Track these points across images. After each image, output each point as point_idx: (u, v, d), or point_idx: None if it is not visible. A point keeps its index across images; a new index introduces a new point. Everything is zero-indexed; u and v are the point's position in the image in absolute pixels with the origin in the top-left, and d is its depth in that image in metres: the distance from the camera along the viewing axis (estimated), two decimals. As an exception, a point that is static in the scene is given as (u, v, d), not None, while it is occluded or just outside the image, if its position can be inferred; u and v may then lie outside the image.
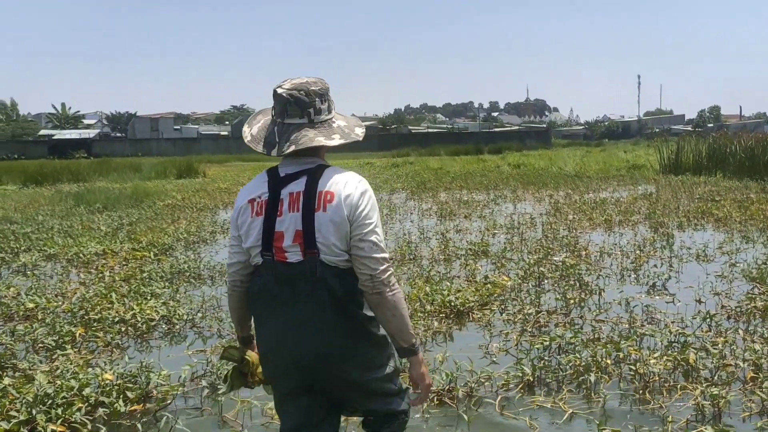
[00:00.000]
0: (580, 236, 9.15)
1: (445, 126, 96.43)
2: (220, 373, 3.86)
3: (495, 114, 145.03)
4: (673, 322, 4.96)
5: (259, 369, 2.55)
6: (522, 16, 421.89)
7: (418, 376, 2.31)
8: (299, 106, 2.26)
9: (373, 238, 2.19)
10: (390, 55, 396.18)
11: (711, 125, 72.64)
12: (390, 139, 61.98)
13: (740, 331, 4.61)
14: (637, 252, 7.86)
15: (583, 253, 7.90)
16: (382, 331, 2.31)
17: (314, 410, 2.35)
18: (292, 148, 2.22)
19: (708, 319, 4.76)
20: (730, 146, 19.76)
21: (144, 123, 71.25)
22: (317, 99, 2.29)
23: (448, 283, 6.17)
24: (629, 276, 6.73)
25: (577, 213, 11.66)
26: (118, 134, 75.35)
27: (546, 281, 6.51)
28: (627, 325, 4.93)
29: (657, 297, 5.87)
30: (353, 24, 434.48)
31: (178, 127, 75.22)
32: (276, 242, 2.21)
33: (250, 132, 2.34)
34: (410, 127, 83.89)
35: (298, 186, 2.22)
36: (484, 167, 27.18)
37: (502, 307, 5.59)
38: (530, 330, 4.95)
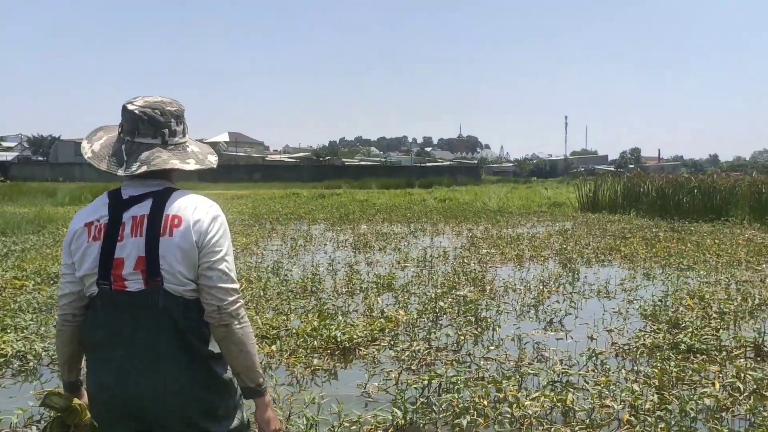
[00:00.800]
0: (489, 271, 9.07)
1: (378, 159, 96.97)
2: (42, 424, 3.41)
3: (428, 149, 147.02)
4: (561, 360, 4.84)
5: (87, 417, 2.23)
6: (456, 54, 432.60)
7: (264, 421, 2.08)
8: (152, 125, 2.07)
9: (222, 266, 2.02)
10: (326, 87, 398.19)
11: (632, 166, 75.41)
12: (323, 170, 61.90)
13: (624, 371, 4.51)
14: (541, 287, 7.81)
15: (488, 287, 7.80)
16: (230, 375, 2.11)
17: None
18: (144, 168, 2.03)
19: (594, 358, 4.65)
20: (644, 186, 20.40)
21: (68, 147, 68.71)
22: (173, 120, 2.11)
23: (341, 318, 5.92)
24: (529, 312, 6.63)
25: (491, 247, 11.65)
26: (40, 158, 72.48)
27: (444, 316, 6.35)
28: (513, 363, 4.78)
29: (551, 333, 5.77)
30: (289, 54, 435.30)
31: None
32: (115, 270, 1.99)
33: (91, 148, 2.12)
34: (344, 160, 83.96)
35: (143, 209, 2.02)
36: (410, 200, 27.24)
37: (392, 343, 5.37)
38: (414, 368, 4.74)
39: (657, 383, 4.18)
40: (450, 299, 6.95)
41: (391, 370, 4.71)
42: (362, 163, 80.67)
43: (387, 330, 5.70)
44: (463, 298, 6.88)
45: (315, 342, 5.24)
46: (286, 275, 8.53)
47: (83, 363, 2.19)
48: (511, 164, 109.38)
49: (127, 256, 1.99)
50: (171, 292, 1.98)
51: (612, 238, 13.13)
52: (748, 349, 5.03)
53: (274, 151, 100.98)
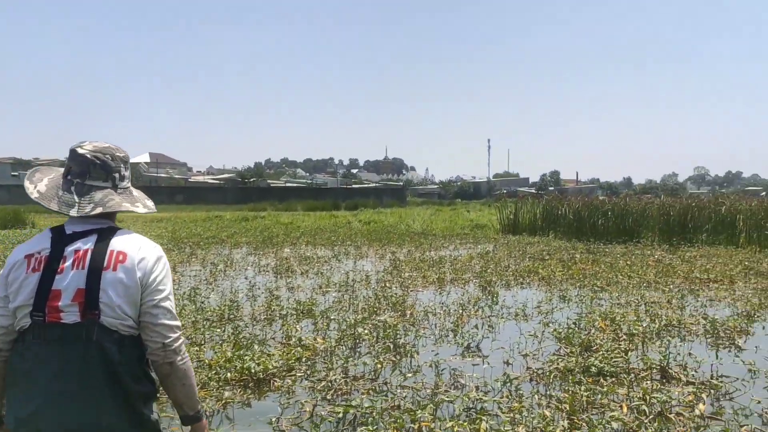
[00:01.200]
0: (410, 295, 9.09)
1: (304, 181, 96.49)
2: None
3: (354, 171, 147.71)
4: (476, 387, 4.86)
5: None
6: (382, 76, 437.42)
7: None
8: (104, 170, 2.19)
9: (166, 304, 2.11)
10: (252, 107, 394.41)
11: (552, 188, 77.89)
12: (248, 192, 61.12)
13: (537, 395, 4.57)
14: (460, 311, 7.87)
15: (408, 312, 7.81)
16: (156, 417, 2.18)
17: None
18: (99, 210, 2.14)
19: (508, 383, 4.70)
20: (562, 209, 21.03)
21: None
22: (122, 165, 2.25)
23: (257, 347, 5.78)
24: (447, 337, 6.66)
25: (413, 271, 11.71)
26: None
27: (363, 343, 6.29)
28: (430, 391, 4.77)
29: (468, 359, 5.80)
30: (214, 73, 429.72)
31: (17, 174, 69.76)
32: (51, 301, 2.01)
33: (36, 189, 2.19)
34: (269, 181, 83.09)
35: (86, 244, 2.09)
36: (335, 223, 27.19)
37: (308, 372, 5.27)
38: (330, 398, 4.66)
39: (568, 408, 4.25)
40: (370, 325, 6.91)
41: (306, 401, 4.60)
42: (288, 185, 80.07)
43: (304, 359, 5.59)
44: (383, 324, 6.85)
45: (228, 374, 5.08)
46: (203, 302, 8.30)
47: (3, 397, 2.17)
48: (436, 186, 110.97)
49: (66, 288, 2.01)
50: (107, 326, 2.01)
51: (531, 260, 13.43)
52: (654, 371, 5.19)
53: (198, 172, 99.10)
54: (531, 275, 11.16)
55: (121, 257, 2.06)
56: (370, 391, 4.81)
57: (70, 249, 2.07)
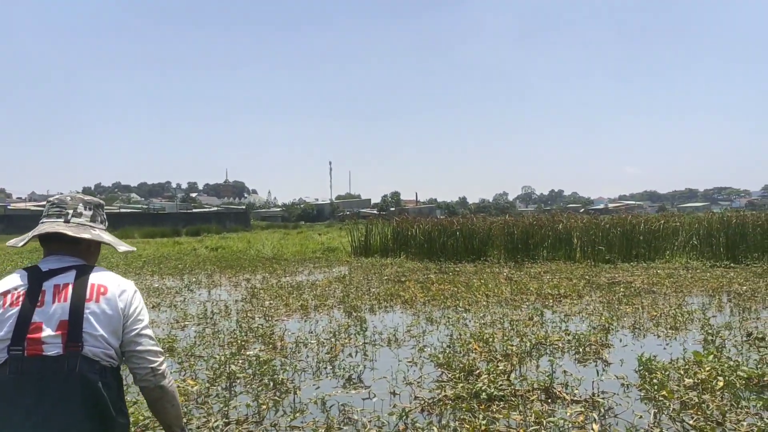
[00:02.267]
0: (276, 324, 8.73)
1: (140, 206, 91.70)
2: None
3: (194, 195, 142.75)
4: (370, 421, 4.66)
5: None
6: (218, 98, 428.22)
7: None
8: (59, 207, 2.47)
9: (149, 332, 2.26)
10: (79, 127, 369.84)
11: (393, 209, 79.93)
12: (78, 219, 56.84)
13: (435, 428, 4.45)
14: (333, 340, 7.65)
15: (279, 344, 7.47)
16: None
17: None
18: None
19: (404, 417, 4.54)
20: (411, 230, 21.47)
21: None
22: (80, 204, 2.52)
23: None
24: (325, 368, 6.41)
25: (273, 298, 11.33)
26: None
27: (238, 381, 5.88)
28: (324, 431, 4.51)
29: (353, 392, 5.58)
30: (28, 87, 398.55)
31: None
32: (32, 333, 2.04)
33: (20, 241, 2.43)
34: (101, 207, 77.99)
35: (66, 279, 2.18)
36: (180, 250, 25.95)
37: (185, 420, 4.80)
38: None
39: (470, 439, 4.17)
40: (241, 361, 6.50)
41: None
42: (122, 210, 75.65)
43: (177, 405, 5.10)
44: (256, 359, 6.47)
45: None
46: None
47: None
48: (279, 209, 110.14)
49: (48, 320, 2.06)
50: (90, 356, 2.05)
51: (390, 282, 13.50)
52: (539, 391, 5.28)
53: (18, 198, 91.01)
54: (393, 298, 11.17)
55: (102, 290, 2.18)
56: (258, 437, 4.45)
57: (48, 284, 2.15)
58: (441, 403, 5.07)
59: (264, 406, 5.03)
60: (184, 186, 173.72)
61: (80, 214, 2.41)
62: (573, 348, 6.97)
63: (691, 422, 4.51)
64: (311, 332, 8.23)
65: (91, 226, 2.42)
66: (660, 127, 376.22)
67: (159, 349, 2.26)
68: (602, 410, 4.81)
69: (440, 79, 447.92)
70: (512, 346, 6.87)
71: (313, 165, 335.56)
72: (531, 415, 4.60)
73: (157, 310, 10.35)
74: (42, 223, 2.39)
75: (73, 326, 2.06)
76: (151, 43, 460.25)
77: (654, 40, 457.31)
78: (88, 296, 2.13)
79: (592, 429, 4.30)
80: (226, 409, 4.96)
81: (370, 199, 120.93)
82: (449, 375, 5.91)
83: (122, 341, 2.18)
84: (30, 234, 2.38)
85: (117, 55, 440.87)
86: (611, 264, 16.85)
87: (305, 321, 9.18)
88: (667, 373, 5.66)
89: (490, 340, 7.19)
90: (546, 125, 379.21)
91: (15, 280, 2.19)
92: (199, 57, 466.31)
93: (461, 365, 6.10)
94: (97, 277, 2.22)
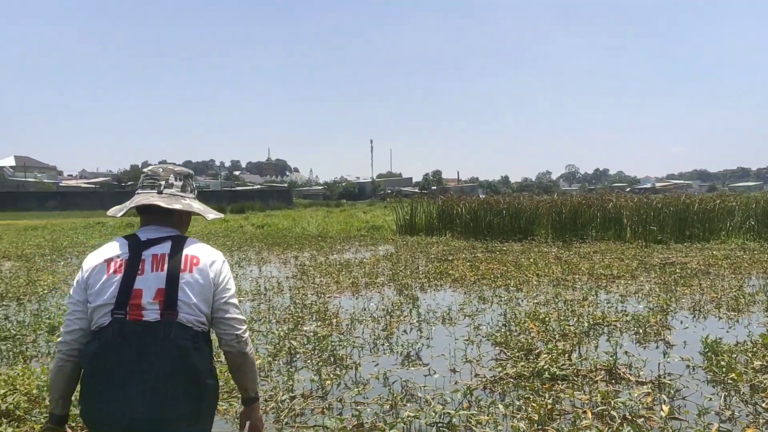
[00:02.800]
0: (329, 301, 8.81)
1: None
2: None
3: (237, 173, 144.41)
4: (433, 398, 4.67)
5: None
6: (260, 77, 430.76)
7: (259, 418, 2.45)
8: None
9: (235, 301, 2.35)
10: (127, 106, 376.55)
11: (434, 187, 79.47)
12: (126, 196, 57.17)
13: (500, 405, 4.44)
14: (387, 317, 7.68)
15: (334, 320, 7.53)
16: (213, 408, 2.30)
17: None
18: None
19: (468, 394, 4.54)
20: (457, 208, 21.35)
21: None
22: (171, 176, 2.56)
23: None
24: (382, 345, 6.45)
25: (324, 276, 11.42)
26: None
27: (298, 356, 5.96)
28: (389, 406, 4.54)
29: (413, 369, 5.61)
30: (85, 69, 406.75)
31: None
32: (133, 299, 2.18)
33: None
34: (148, 185, 79.27)
35: (163, 249, 2.30)
36: (227, 227, 26.29)
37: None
38: (285, 420, 4.32)
39: (537, 418, 4.14)
40: (299, 336, 6.58)
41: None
42: (168, 188, 76.77)
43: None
44: (314, 335, 6.54)
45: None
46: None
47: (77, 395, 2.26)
48: (320, 187, 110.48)
49: (147, 288, 2.20)
50: (183, 323, 2.18)
51: (438, 261, 13.48)
52: (602, 371, 5.22)
53: (69, 176, 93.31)
54: (443, 277, 11.16)
55: (195, 260, 2.29)
56: (324, 410, 4.51)
57: (147, 253, 2.27)
58: (503, 381, 5.06)
59: (328, 381, 5.08)
60: (228, 164, 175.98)
61: (171, 185, 2.49)
62: (632, 329, 6.87)
63: (764, 405, 4.41)
64: (365, 309, 8.28)
65: (182, 196, 2.50)
66: (707, 106, 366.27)
67: (243, 317, 2.37)
68: (671, 392, 4.74)
69: (480, 54, 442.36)
70: (570, 326, 6.81)
71: (354, 143, 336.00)
72: (597, 395, 4.55)
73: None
74: (137, 194, 2.48)
75: (169, 295, 2.19)
76: (193, 21, 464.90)
77: (700, 14, 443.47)
78: (182, 267, 2.25)
79: (662, 410, 4.23)
80: (291, 383, 5.02)
81: (411, 178, 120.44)
82: (508, 354, 5.88)
83: (212, 308, 2.30)
84: (128, 204, 2.46)
85: (157, 34, 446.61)
86: (663, 244, 16.51)
87: (357, 298, 9.24)
88: (734, 355, 5.53)
89: (546, 319, 7.12)
90: (589, 103, 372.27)
91: (116, 248, 2.31)
92: (238, 35, 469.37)
93: (519, 344, 6.07)
94: (191, 249, 2.33)
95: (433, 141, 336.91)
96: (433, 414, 4.19)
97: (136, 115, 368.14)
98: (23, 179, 71.29)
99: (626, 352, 5.75)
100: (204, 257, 2.32)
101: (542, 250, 15.82)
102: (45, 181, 73.81)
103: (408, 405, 4.58)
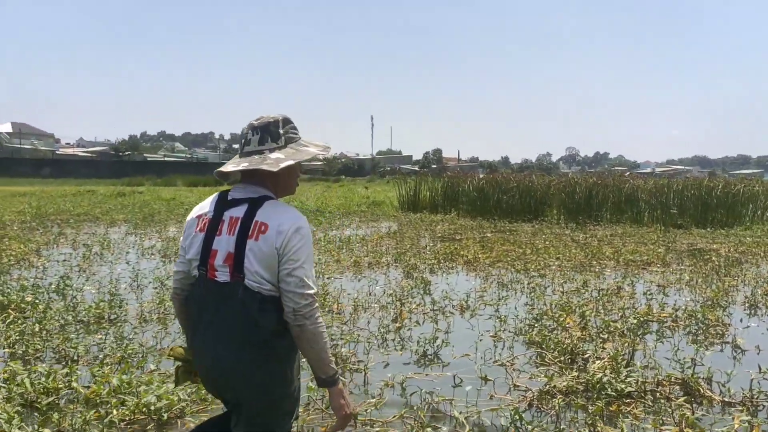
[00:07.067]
0: (329, 282, 7.76)
1: (184, 155, 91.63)
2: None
3: (236, 146, 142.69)
4: (466, 418, 3.63)
5: None
6: (261, 50, 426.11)
7: (336, 407, 2.23)
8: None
9: (299, 273, 2.16)
10: (125, 77, 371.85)
11: (434, 166, 78.22)
12: (123, 166, 57.27)
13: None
14: (397, 305, 6.64)
15: (335, 307, 6.49)
16: (290, 366, 2.25)
17: (226, 419, 2.34)
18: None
19: (517, 419, 3.45)
20: (463, 186, 20.25)
21: None
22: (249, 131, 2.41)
23: (152, 364, 4.26)
24: (393, 340, 5.41)
25: (323, 253, 10.39)
26: None
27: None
28: (410, 426, 3.50)
29: (433, 373, 4.57)
30: (83, 36, 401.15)
31: None
32: (210, 259, 2.21)
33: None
34: (146, 155, 77.99)
35: (239, 212, 2.22)
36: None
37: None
38: None
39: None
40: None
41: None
42: (167, 159, 75.40)
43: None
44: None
45: (115, 412, 3.55)
46: (74, 297, 6.59)
47: None
48: (320, 163, 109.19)
49: (221, 250, 2.20)
50: (250, 287, 2.15)
51: (445, 241, 12.43)
52: (675, 386, 4.17)
53: (67, 144, 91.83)
54: (454, 258, 10.12)
55: (263, 228, 2.16)
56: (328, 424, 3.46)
57: (227, 214, 2.23)
58: (550, 396, 4.01)
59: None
60: (227, 137, 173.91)
61: (249, 142, 2.31)
62: (688, 327, 5.84)
63: None
64: (370, 294, 7.24)
65: (257, 151, 2.28)
66: (705, 90, 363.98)
67: (308, 291, 2.14)
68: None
69: (482, 31, 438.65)
70: (613, 322, 5.78)
71: (354, 119, 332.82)
72: (682, 422, 3.49)
73: (198, 262, 9.49)
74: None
75: (237, 259, 2.15)
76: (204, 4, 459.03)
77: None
78: (250, 233, 2.16)
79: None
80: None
81: (411, 156, 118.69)
82: (548, 357, 4.84)
83: (277, 278, 2.17)
84: (231, 168, 2.32)
85: (158, 4, 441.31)
86: (684, 229, 15.46)
87: (359, 280, 8.21)
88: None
89: (584, 313, 6.08)
90: (591, 85, 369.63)
91: (207, 205, 2.32)
92: (239, 6, 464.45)
93: (559, 344, 5.02)
94: (263, 214, 2.19)
95: (434, 120, 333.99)
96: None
97: (136, 85, 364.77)
98: (19, 146, 69.92)
99: (692, 359, 4.66)
100: (273, 224, 2.16)
101: (555, 231, 14.78)
102: (41, 148, 72.35)
103: (442, 428, 3.53)
